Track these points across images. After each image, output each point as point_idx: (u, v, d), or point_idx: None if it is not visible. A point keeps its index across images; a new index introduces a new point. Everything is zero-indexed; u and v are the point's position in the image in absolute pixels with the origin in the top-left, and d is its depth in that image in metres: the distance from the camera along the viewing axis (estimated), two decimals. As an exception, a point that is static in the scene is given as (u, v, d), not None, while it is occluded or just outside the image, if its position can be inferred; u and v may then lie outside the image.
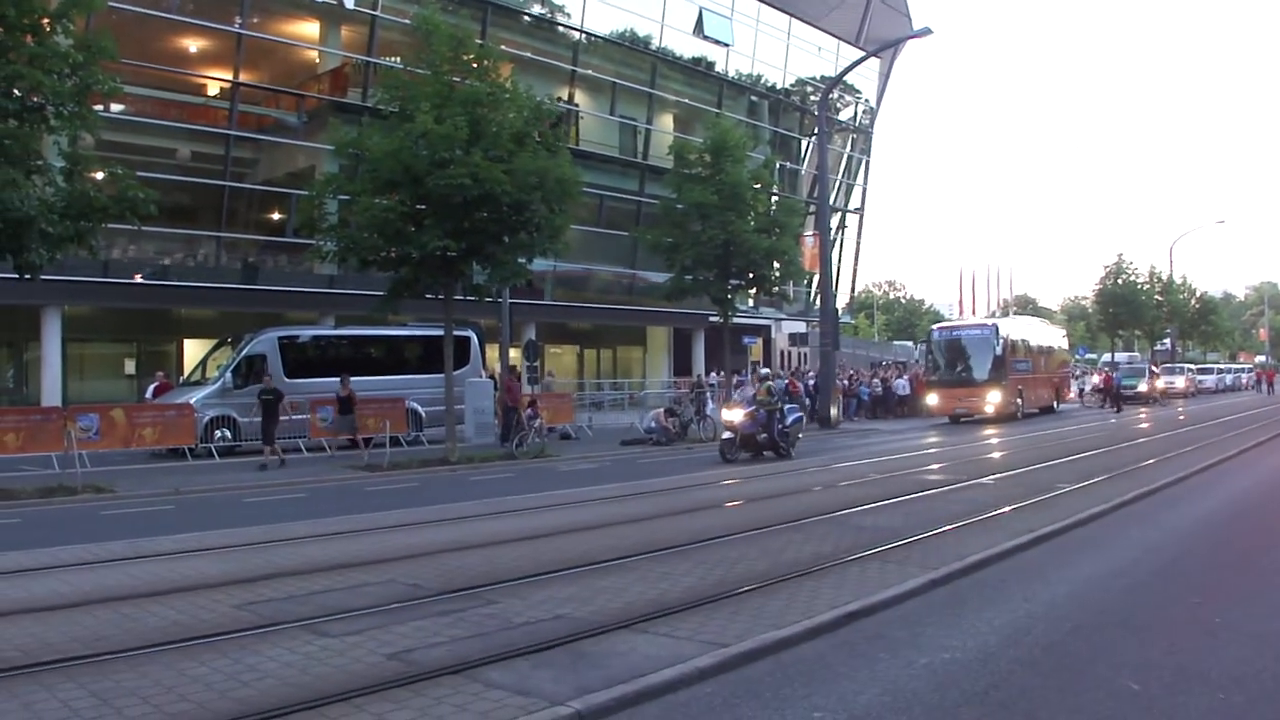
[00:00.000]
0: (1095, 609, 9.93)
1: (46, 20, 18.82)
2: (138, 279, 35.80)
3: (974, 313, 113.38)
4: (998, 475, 21.07)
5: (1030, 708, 7.11)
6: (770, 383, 28.03)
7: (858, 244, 67.88)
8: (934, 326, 51.49)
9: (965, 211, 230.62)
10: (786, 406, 28.11)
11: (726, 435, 26.66)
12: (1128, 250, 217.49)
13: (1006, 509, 15.74)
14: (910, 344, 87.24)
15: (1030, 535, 13.23)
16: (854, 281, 70.30)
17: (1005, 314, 72.89)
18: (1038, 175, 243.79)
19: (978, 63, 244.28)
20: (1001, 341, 42.18)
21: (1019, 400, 43.36)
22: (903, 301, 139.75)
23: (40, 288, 23.67)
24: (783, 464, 25.30)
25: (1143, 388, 60.30)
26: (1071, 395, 57.39)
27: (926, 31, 41.04)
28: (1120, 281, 75.16)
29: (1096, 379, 60.37)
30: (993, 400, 41.38)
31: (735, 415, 26.76)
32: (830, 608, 9.51)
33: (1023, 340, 46.06)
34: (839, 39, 61.12)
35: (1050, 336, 53.40)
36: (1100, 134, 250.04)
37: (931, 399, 43.71)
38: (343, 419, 27.55)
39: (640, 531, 14.43)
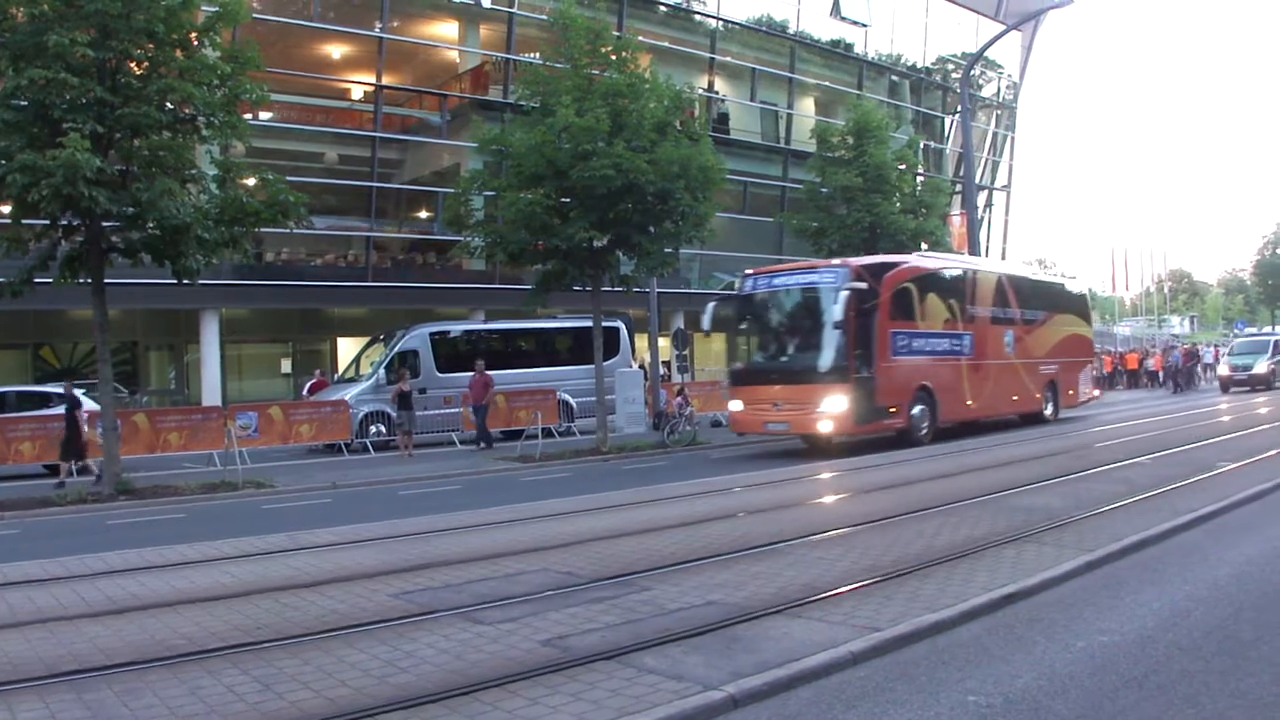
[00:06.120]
0: (1258, 590, 9.55)
1: (194, 34, 19.42)
2: None
3: (1126, 289, 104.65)
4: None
5: (1191, 691, 6.87)
6: None
7: (1006, 222, 66.52)
8: (747, 272, 27.20)
9: (1116, 185, 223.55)
10: None
11: None
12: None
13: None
14: None
15: (1191, 515, 12.75)
16: (1003, 260, 68.84)
17: (1159, 291, 57.81)
18: (1191, 145, 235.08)
19: (1123, 28, 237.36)
20: (845, 297, 22.68)
21: (916, 410, 24.99)
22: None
23: (198, 292, 24.48)
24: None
25: (1260, 369, 45.44)
26: (1094, 392, 36.18)
27: (1068, 1, 39.96)
28: (1280, 251, 72.06)
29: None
30: (831, 408, 23.21)
31: None
32: (985, 590, 9.34)
33: (928, 289, 26.25)
34: (978, 13, 59.65)
35: (1040, 289, 32.68)
36: (1258, 98, 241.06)
37: (734, 404, 25.97)
38: (403, 414, 27.03)
39: (792, 516, 14.27)
